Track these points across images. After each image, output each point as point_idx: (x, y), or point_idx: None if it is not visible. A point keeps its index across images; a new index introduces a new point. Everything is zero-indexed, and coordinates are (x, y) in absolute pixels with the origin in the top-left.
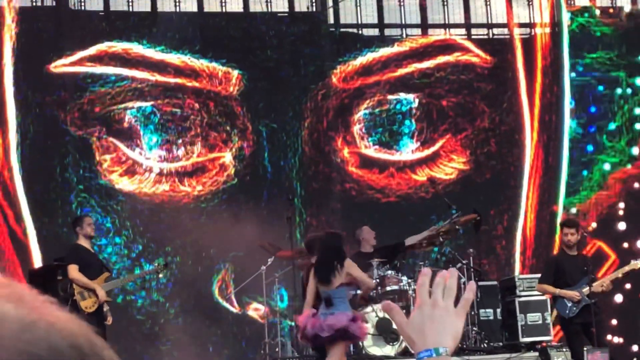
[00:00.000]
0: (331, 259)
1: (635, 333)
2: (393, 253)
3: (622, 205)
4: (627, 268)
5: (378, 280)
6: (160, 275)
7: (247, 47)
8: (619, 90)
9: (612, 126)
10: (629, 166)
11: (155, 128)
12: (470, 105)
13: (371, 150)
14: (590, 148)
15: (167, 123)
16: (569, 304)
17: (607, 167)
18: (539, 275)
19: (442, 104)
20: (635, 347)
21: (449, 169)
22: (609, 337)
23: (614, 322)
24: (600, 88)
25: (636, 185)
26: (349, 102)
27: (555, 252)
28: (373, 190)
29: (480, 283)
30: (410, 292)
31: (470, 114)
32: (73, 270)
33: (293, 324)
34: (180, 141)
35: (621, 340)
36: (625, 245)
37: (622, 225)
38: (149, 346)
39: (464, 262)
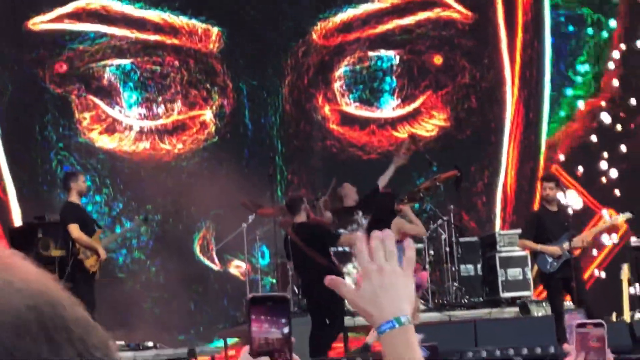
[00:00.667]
0: (379, 218)
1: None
2: (372, 200)
3: (594, 139)
4: (608, 224)
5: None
6: (142, 231)
7: (226, 4)
8: (589, 30)
9: (581, 62)
10: (602, 103)
11: (135, 86)
12: (451, 62)
13: (352, 108)
14: (559, 82)
15: (146, 81)
16: (550, 260)
17: (576, 101)
18: (519, 231)
19: (424, 60)
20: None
21: (430, 126)
22: (595, 272)
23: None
24: (571, 28)
25: (605, 119)
26: (329, 59)
27: (536, 207)
28: (354, 148)
29: (461, 239)
30: None
31: (451, 70)
32: (75, 230)
33: (275, 280)
34: (160, 99)
35: (604, 275)
36: (604, 179)
37: (603, 165)
38: (131, 304)
39: (444, 218)
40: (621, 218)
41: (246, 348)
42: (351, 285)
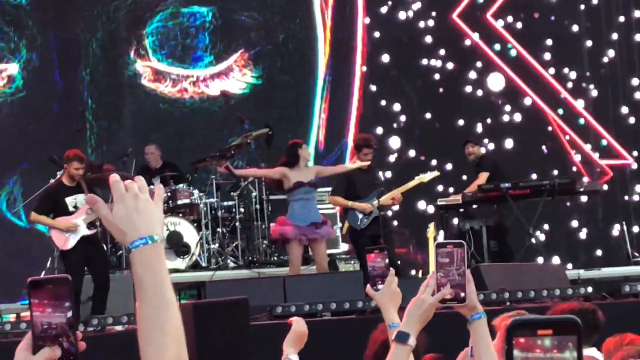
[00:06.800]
0: None
1: None
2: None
3: None
4: (416, 181)
5: (169, 194)
6: None
7: None
8: None
9: None
10: None
11: None
12: (263, 20)
13: (164, 64)
14: None
15: None
16: (360, 216)
17: None
18: (329, 189)
19: (236, 18)
20: None
21: (242, 84)
22: None
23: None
24: None
25: None
26: (141, 15)
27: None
28: (166, 104)
29: (272, 197)
30: (201, 205)
31: (263, 28)
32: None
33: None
34: None
35: None
36: None
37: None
38: None
39: None
40: (428, 176)
41: (22, 343)
42: (106, 207)
